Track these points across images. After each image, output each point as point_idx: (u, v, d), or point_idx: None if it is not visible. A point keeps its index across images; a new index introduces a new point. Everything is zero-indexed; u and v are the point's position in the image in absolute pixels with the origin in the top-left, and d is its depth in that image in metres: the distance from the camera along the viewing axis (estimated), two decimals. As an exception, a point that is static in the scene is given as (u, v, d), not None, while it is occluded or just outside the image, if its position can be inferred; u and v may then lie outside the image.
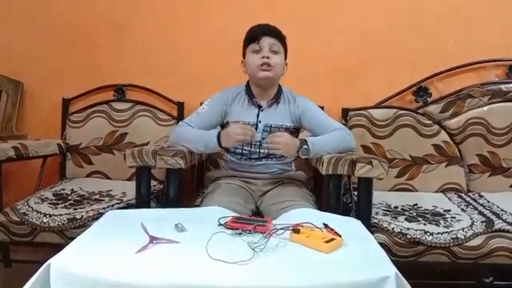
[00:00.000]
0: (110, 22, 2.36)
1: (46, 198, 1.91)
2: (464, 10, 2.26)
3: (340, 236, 1.18)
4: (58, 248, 1.12)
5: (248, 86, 1.86)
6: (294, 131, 1.87)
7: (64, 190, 2.03)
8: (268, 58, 1.75)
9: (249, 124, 1.80)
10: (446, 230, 1.62)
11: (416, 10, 2.28)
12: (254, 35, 1.78)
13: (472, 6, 2.26)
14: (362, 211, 1.62)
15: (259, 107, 1.83)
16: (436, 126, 2.18)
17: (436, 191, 2.15)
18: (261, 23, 1.81)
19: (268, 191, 1.81)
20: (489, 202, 1.96)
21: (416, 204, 1.93)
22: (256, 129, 1.81)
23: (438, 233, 1.60)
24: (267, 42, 1.76)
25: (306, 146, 1.66)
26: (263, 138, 1.77)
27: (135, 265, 1.03)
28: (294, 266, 1.06)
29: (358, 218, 1.48)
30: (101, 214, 1.58)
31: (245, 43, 1.82)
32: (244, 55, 1.83)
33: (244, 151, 1.84)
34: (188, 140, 1.73)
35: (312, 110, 1.85)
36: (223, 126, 1.88)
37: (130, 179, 2.20)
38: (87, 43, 2.38)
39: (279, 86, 1.87)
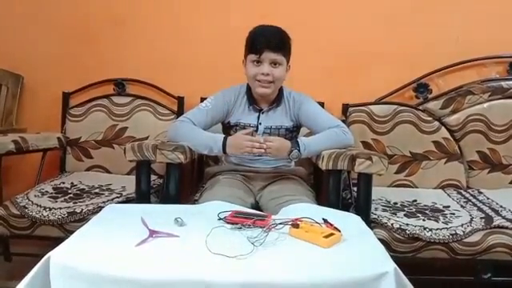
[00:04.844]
0: (111, 16, 2.35)
1: (46, 191, 1.91)
2: (465, 7, 2.25)
3: (339, 231, 1.19)
4: (57, 241, 1.13)
5: (248, 88, 1.84)
6: (295, 130, 1.87)
7: (64, 183, 2.03)
8: (268, 74, 1.71)
9: (249, 126, 1.81)
10: (445, 226, 1.63)
11: (417, 6, 2.27)
12: (256, 47, 1.71)
13: (473, 2, 2.26)
14: (362, 207, 1.63)
15: (259, 110, 1.83)
16: (436, 123, 2.18)
17: (435, 187, 2.15)
18: (264, 28, 1.74)
19: (267, 186, 1.81)
20: (488, 198, 1.97)
21: (415, 200, 1.93)
22: (256, 130, 1.81)
23: (437, 229, 1.61)
24: (269, 57, 1.70)
25: (296, 149, 1.65)
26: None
27: (135, 258, 1.04)
28: (293, 260, 1.06)
29: (357, 213, 1.49)
30: (100, 208, 1.58)
31: (246, 47, 1.77)
32: (245, 56, 1.79)
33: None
34: (190, 140, 1.70)
35: (310, 108, 1.84)
36: (224, 125, 1.88)
37: (129, 173, 2.20)
38: (88, 37, 2.37)
39: (280, 87, 1.84)
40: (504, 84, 2.18)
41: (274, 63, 1.73)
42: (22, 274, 1.05)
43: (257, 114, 1.83)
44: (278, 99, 1.84)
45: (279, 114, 1.84)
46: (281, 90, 1.85)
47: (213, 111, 1.81)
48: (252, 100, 1.83)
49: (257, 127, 1.82)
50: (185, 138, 1.71)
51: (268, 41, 1.70)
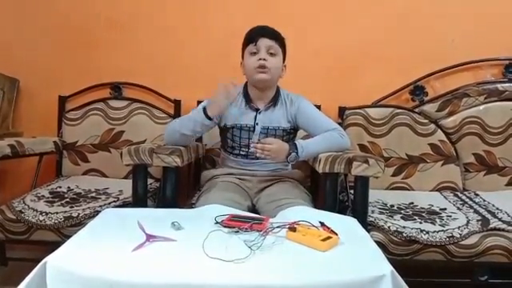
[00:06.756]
0: (107, 20, 2.35)
1: (43, 195, 1.90)
2: (460, 9, 2.27)
3: (336, 234, 1.19)
4: (54, 246, 1.12)
5: (246, 88, 1.86)
6: (292, 132, 1.88)
7: (60, 187, 2.03)
8: (265, 59, 1.74)
9: (246, 126, 1.82)
10: (441, 228, 1.63)
11: (413, 9, 2.28)
12: (252, 36, 1.77)
13: (468, 5, 2.27)
14: (359, 209, 1.63)
15: (256, 110, 1.83)
16: (432, 125, 2.19)
17: (432, 190, 2.16)
18: (260, 25, 1.80)
19: (264, 189, 1.81)
20: (484, 200, 1.97)
21: (412, 202, 1.93)
22: (253, 131, 1.82)
23: (434, 231, 1.61)
24: (264, 43, 1.75)
25: (295, 152, 1.66)
26: (259, 140, 1.76)
27: (132, 263, 1.03)
28: (291, 264, 1.06)
29: (354, 216, 1.49)
30: (97, 212, 1.58)
31: (243, 45, 1.81)
32: (243, 57, 1.82)
33: (241, 152, 1.84)
34: (180, 124, 1.74)
35: (307, 110, 1.85)
36: (220, 128, 1.88)
37: (126, 177, 2.20)
38: (84, 41, 2.37)
39: (277, 88, 1.86)
40: (500, 86, 2.20)
41: (271, 52, 1.76)
42: (19, 278, 1.04)
43: (254, 113, 1.83)
44: (275, 98, 1.84)
45: (276, 114, 1.84)
46: (278, 90, 1.86)
47: None
48: (249, 99, 1.84)
49: (254, 127, 1.82)
50: (176, 127, 1.74)
51: (263, 30, 1.78)
